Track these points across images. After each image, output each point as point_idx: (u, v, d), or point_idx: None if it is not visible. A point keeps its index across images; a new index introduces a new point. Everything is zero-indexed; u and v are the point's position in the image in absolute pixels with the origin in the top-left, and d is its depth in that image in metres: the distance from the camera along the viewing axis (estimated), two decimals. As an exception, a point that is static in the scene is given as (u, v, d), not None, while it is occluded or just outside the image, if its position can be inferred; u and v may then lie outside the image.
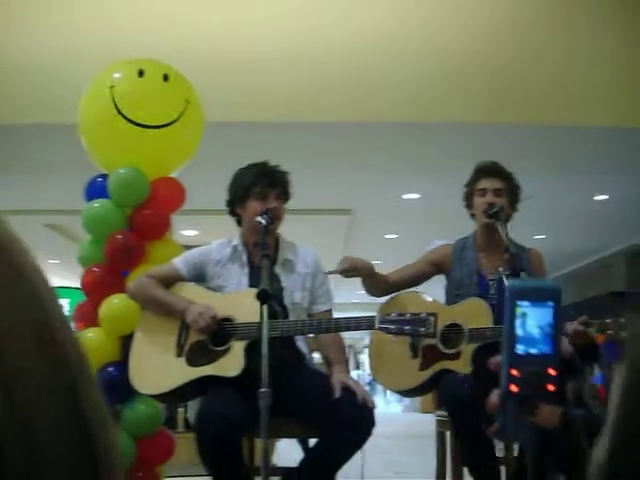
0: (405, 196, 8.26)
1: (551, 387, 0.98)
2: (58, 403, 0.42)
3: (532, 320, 0.98)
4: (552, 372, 0.98)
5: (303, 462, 2.83)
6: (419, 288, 3.44)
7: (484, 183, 3.34)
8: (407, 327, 2.68)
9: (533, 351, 0.97)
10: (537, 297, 0.97)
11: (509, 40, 5.52)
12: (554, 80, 5.44)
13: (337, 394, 2.72)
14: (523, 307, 0.97)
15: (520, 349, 0.97)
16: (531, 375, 0.97)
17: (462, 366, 3.06)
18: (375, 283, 3.34)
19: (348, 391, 2.74)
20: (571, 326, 2.91)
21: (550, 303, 0.98)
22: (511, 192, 3.35)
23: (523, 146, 6.02)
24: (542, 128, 5.61)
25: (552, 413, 0.99)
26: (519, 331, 0.97)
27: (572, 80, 5.45)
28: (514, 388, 0.97)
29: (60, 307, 0.46)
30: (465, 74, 5.43)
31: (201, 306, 2.89)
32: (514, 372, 0.97)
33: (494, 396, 0.97)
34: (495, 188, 3.30)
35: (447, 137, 5.94)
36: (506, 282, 3.05)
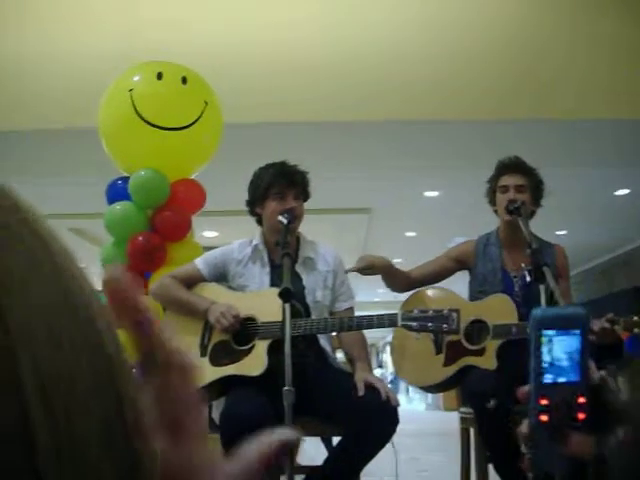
0: (424, 194, 8.24)
1: (581, 415, 0.97)
2: (104, 413, 0.41)
3: (558, 348, 0.97)
4: (582, 400, 0.97)
5: (327, 461, 2.83)
6: (441, 284, 3.43)
7: (506, 180, 3.31)
8: (430, 324, 2.67)
9: (561, 380, 0.96)
10: (563, 325, 0.97)
11: (521, 37, 5.49)
12: (566, 72, 5.42)
13: (360, 392, 2.71)
14: (548, 335, 0.97)
15: (548, 378, 0.97)
16: (561, 404, 0.96)
17: (487, 362, 3.04)
18: (396, 279, 3.34)
19: (372, 389, 2.73)
20: (598, 324, 2.88)
21: (576, 330, 0.97)
22: (534, 188, 3.32)
23: (542, 142, 5.98)
24: (559, 122, 5.58)
25: (584, 442, 0.98)
26: (546, 360, 0.97)
27: (593, 73, 5.42)
28: (544, 417, 0.96)
29: (105, 312, 0.45)
30: (479, 71, 5.42)
31: (223, 305, 2.90)
32: (543, 401, 0.96)
33: (524, 427, 0.96)
34: (517, 184, 3.28)
35: (464, 134, 5.92)
36: (528, 277, 3.04)
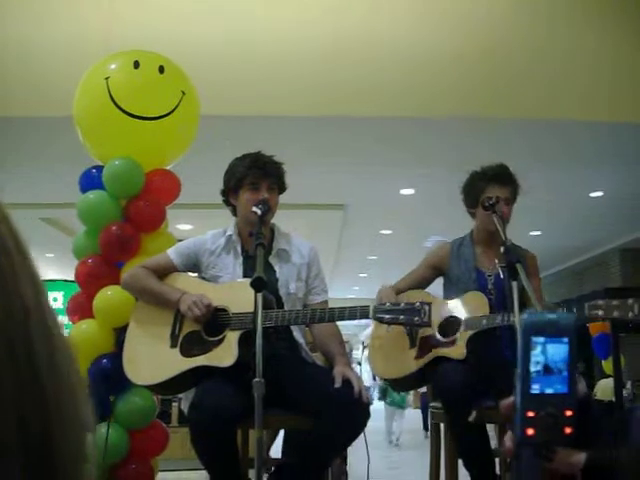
0: (400, 192, 8.25)
1: (568, 430, 0.93)
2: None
3: (547, 356, 0.92)
4: (569, 413, 0.93)
5: (296, 453, 2.83)
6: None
7: (495, 190, 3.30)
8: (402, 316, 2.67)
9: (549, 391, 0.91)
10: (552, 331, 0.92)
11: (508, 35, 5.52)
12: (553, 75, 5.45)
13: (337, 384, 2.71)
14: (538, 343, 0.92)
15: (535, 389, 0.92)
16: (548, 417, 0.92)
17: (456, 352, 3.06)
18: None
19: (347, 383, 2.73)
20: None
21: (565, 339, 0.91)
22: (513, 196, 3.35)
23: (520, 142, 6.02)
24: (539, 123, 5.62)
25: (570, 458, 0.94)
26: (534, 369, 0.92)
27: (571, 75, 5.46)
28: (530, 431, 0.92)
29: (24, 251, 0.46)
30: (462, 69, 5.43)
31: (195, 295, 2.88)
32: (530, 414, 0.92)
33: (508, 441, 0.92)
34: (506, 197, 3.29)
35: (443, 132, 5.94)
36: (501, 274, 3.05)
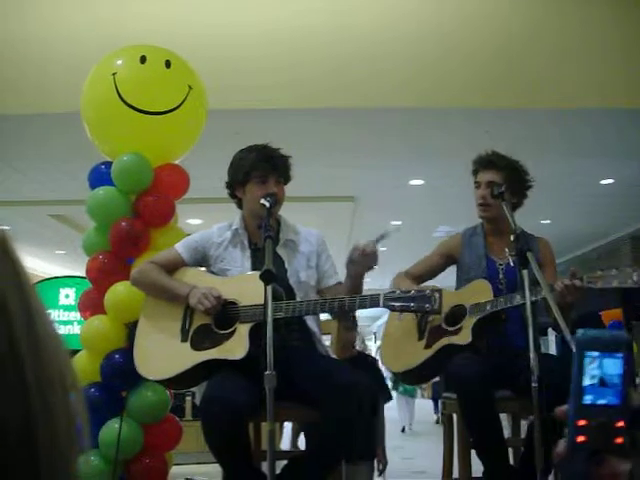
0: (409, 182, 8.23)
1: (619, 440, 0.96)
2: None
3: (600, 370, 0.96)
4: (621, 424, 0.96)
5: (309, 446, 2.83)
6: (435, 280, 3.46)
7: (479, 176, 3.33)
8: (412, 304, 2.66)
9: (601, 402, 0.94)
10: (606, 348, 0.96)
11: (507, 23, 5.49)
12: (554, 61, 5.42)
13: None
14: (591, 357, 0.95)
15: (588, 399, 0.96)
16: (599, 426, 0.95)
17: (462, 338, 3.05)
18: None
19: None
20: (559, 283, 2.88)
21: (619, 354, 0.95)
22: (511, 181, 3.30)
23: (527, 130, 5.99)
24: (545, 111, 5.59)
25: (620, 466, 0.96)
26: (586, 381, 0.96)
27: (572, 61, 5.42)
28: (581, 438, 0.95)
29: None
30: (465, 58, 5.41)
31: (204, 288, 2.88)
32: (581, 422, 0.95)
33: (560, 447, 0.96)
34: (488, 181, 3.28)
35: (450, 122, 5.91)
36: (511, 263, 3.04)
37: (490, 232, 3.39)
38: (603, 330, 0.96)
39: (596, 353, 0.93)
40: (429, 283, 3.42)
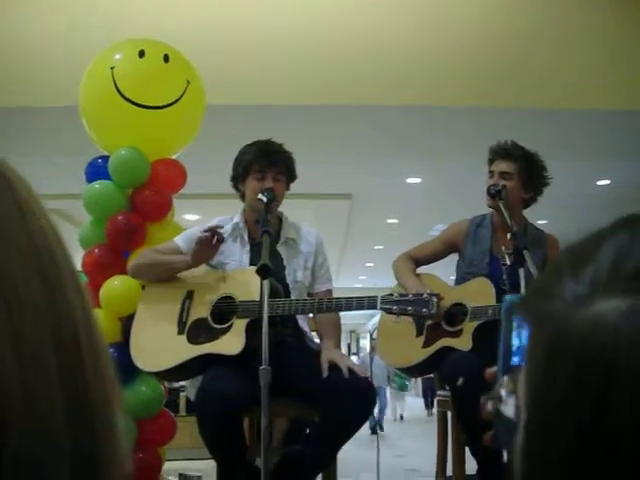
0: (406, 180, 8.23)
1: None
2: (60, 343, 0.42)
3: (527, 332, 0.97)
4: None
5: (304, 442, 2.84)
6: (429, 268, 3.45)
7: (494, 166, 3.30)
8: (410, 308, 2.66)
9: None
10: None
11: (507, 23, 5.48)
12: (554, 62, 5.42)
13: (324, 374, 2.72)
14: (519, 320, 0.97)
15: (515, 360, 0.98)
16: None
17: (463, 343, 3.05)
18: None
19: (337, 368, 2.73)
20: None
21: None
22: (525, 174, 3.28)
23: (525, 130, 5.98)
24: (543, 112, 5.59)
25: None
26: (514, 343, 0.97)
27: (571, 62, 5.42)
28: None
29: (65, 249, 0.46)
30: (464, 57, 5.40)
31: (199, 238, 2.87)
32: None
33: (489, 406, 0.97)
34: (502, 171, 3.26)
35: (448, 121, 5.91)
36: (508, 261, 3.04)
37: (499, 225, 3.34)
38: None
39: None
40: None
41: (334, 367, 2.75)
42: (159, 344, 2.94)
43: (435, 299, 2.65)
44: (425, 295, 2.67)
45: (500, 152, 3.30)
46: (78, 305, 0.45)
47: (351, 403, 2.64)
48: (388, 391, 15.45)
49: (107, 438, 0.46)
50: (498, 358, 0.97)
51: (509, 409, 0.76)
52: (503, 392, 0.83)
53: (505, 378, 0.85)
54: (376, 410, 12.10)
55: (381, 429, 12.44)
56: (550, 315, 0.51)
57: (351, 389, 2.66)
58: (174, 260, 3.00)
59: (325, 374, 2.72)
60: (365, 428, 2.95)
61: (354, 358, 22.01)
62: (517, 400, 0.58)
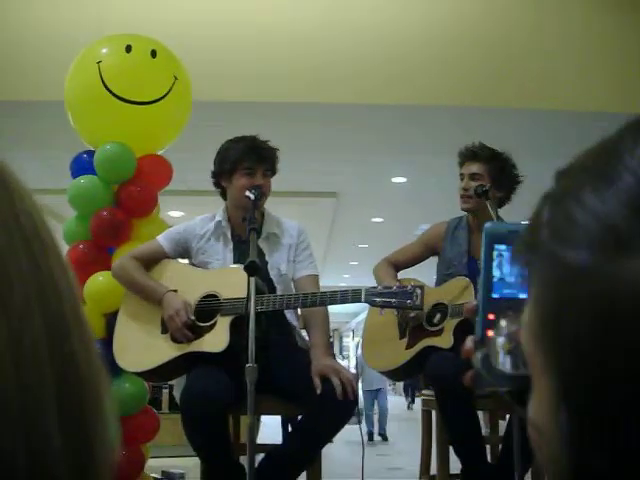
0: (392, 180, 8.24)
1: None
2: (46, 327, 0.42)
3: (508, 264, 0.94)
4: None
5: (287, 439, 2.83)
6: (410, 272, 3.45)
7: (463, 168, 3.30)
8: (394, 300, 2.64)
9: (509, 295, 0.94)
10: (514, 241, 0.94)
11: (498, 24, 5.50)
12: (542, 64, 5.44)
13: (318, 390, 2.66)
14: (500, 250, 0.94)
15: (496, 293, 0.94)
16: (508, 319, 0.94)
17: (444, 341, 3.06)
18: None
19: (327, 379, 2.69)
20: None
21: None
22: (496, 174, 3.27)
23: (511, 131, 6.00)
24: (530, 112, 5.60)
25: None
26: (495, 275, 0.94)
27: (560, 64, 5.44)
28: (490, 333, 0.94)
29: (52, 236, 0.47)
30: (453, 57, 5.42)
31: (177, 303, 2.84)
32: (490, 316, 0.94)
33: (469, 342, 0.93)
34: (471, 173, 3.25)
35: (434, 121, 5.92)
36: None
37: (475, 227, 3.35)
38: (516, 223, 0.94)
39: (504, 246, 0.91)
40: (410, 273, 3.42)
41: (325, 380, 2.70)
42: (142, 344, 2.92)
43: (419, 291, 2.63)
44: (409, 287, 2.66)
45: (468, 154, 3.30)
46: (62, 277, 0.45)
47: (334, 403, 2.63)
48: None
49: (95, 412, 0.46)
50: (478, 290, 0.94)
51: (505, 365, 0.73)
52: (494, 345, 0.80)
53: (500, 339, 0.81)
54: (375, 418, 11.97)
55: (384, 439, 11.67)
56: (583, 268, 0.39)
57: (331, 399, 2.63)
58: (150, 290, 2.95)
59: (319, 391, 2.67)
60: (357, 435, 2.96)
61: (344, 363, 21.93)
62: (531, 368, 0.47)
